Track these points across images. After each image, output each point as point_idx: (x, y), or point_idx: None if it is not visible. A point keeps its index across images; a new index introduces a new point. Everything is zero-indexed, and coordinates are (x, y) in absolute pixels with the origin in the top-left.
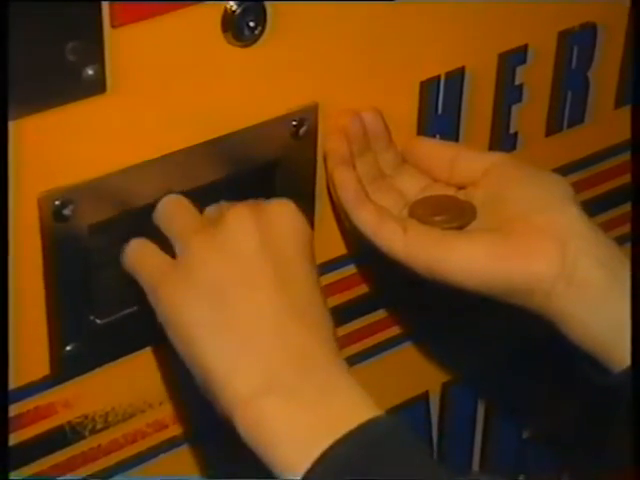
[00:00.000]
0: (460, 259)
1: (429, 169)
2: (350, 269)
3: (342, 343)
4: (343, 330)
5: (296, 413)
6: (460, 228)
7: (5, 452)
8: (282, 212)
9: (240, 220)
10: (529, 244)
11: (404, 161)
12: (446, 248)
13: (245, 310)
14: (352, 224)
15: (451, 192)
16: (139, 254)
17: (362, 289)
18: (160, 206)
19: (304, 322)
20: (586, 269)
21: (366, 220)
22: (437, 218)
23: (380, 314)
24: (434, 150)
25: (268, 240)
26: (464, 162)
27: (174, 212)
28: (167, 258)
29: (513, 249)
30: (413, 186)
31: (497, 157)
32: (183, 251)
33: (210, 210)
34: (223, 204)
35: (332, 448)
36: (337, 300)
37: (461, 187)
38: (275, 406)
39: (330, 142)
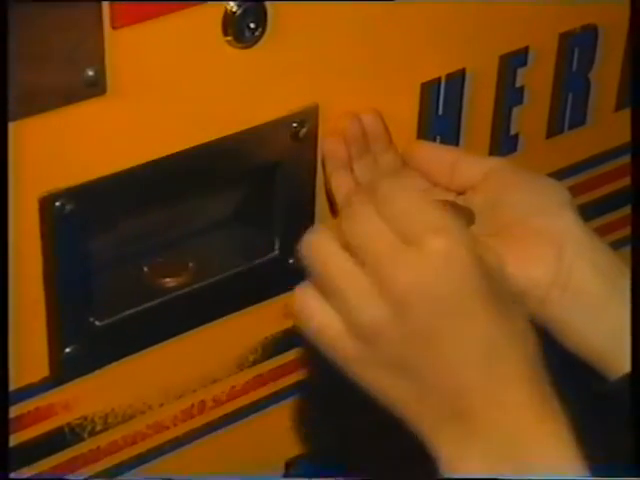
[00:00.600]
0: None
1: (429, 173)
2: None
3: None
4: None
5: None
6: None
7: (5, 453)
8: (443, 252)
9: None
10: (525, 249)
11: (404, 163)
12: None
13: (434, 368)
14: None
15: (450, 197)
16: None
17: None
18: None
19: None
20: (582, 276)
21: None
22: None
23: None
24: (435, 154)
25: (437, 296)
26: (464, 167)
27: (369, 235)
28: (341, 329)
29: (508, 255)
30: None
31: (496, 162)
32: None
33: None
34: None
35: None
36: None
37: (460, 192)
38: (478, 470)
39: (327, 144)
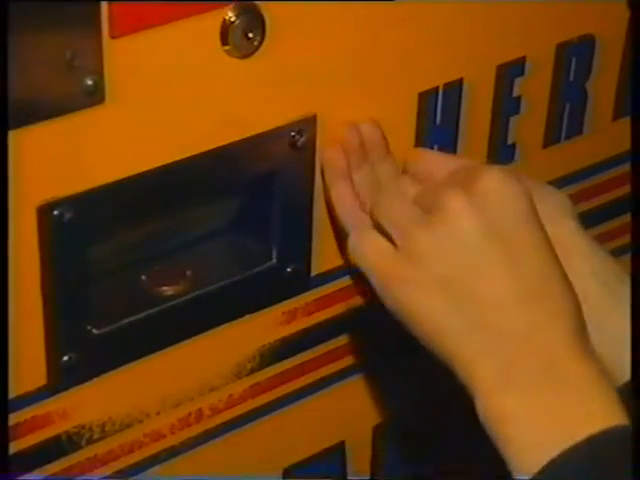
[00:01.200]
0: None
1: (428, 181)
2: (348, 280)
3: (339, 354)
4: (340, 341)
5: (533, 415)
6: None
7: (5, 460)
8: (494, 185)
9: (457, 206)
10: None
11: (403, 172)
12: None
13: (479, 298)
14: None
15: None
16: (362, 249)
17: (359, 300)
18: (379, 199)
19: (543, 306)
20: (582, 284)
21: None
22: None
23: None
24: (434, 162)
25: (489, 220)
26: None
27: (390, 202)
28: (391, 251)
29: None
30: None
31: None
32: (406, 245)
33: (420, 195)
34: (431, 186)
35: (560, 457)
36: (335, 311)
37: None
38: (515, 405)
39: (327, 154)
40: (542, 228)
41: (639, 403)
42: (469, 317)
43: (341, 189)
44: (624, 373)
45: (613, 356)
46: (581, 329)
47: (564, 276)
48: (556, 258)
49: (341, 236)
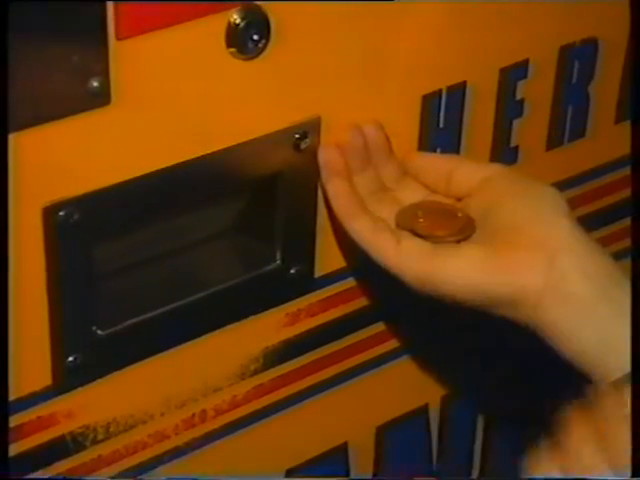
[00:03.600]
0: (449, 273)
1: (427, 181)
2: (352, 281)
3: (343, 355)
4: (344, 343)
5: None
6: (459, 242)
7: (5, 461)
8: None
9: None
10: (517, 257)
11: (405, 174)
12: (437, 261)
13: None
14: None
15: (449, 204)
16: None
17: (363, 301)
18: None
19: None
20: (573, 283)
21: (360, 230)
22: (439, 232)
23: (380, 327)
24: (432, 163)
25: None
26: (461, 174)
27: None
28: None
29: (501, 262)
30: (414, 199)
31: (492, 169)
32: None
33: None
34: None
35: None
36: (339, 312)
37: (458, 198)
38: None
39: (324, 154)
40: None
41: (638, 395)
42: None
43: (337, 186)
44: (607, 372)
45: (598, 352)
46: None
47: None
48: None
49: (344, 237)
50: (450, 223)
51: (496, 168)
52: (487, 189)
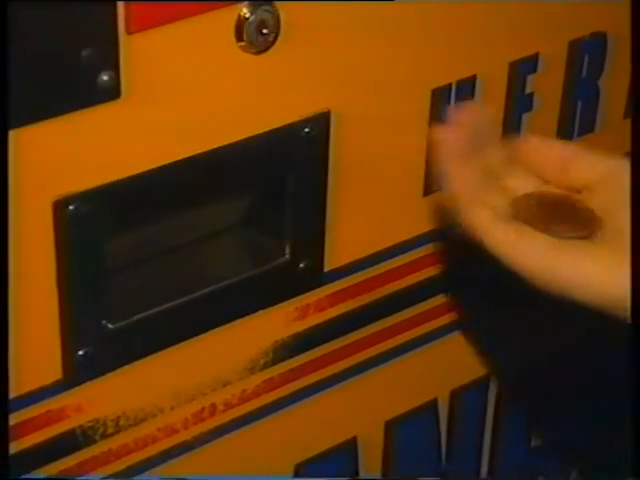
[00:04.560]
0: (577, 272)
1: (539, 170)
2: (361, 276)
3: (351, 350)
4: (352, 337)
5: None
6: (583, 238)
7: (5, 457)
8: None
9: None
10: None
11: (513, 161)
12: (563, 259)
13: None
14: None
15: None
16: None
17: (372, 296)
18: None
19: None
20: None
21: (480, 219)
22: (561, 227)
23: (389, 321)
24: (545, 149)
25: None
26: (581, 165)
27: None
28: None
29: (620, 262)
30: (524, 187)
31: (615, 163)
32: None
33: None
34: None
35: None
36: (348, 307)
37: (575, 191)
38: None
39: (446, 133)
40: None
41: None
42: None
43: (463, 170)
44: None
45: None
46: None
47: None
48: None
49: (353, 232)
50: (572, 217)
51: (617, 161)
52: (609, 184)
